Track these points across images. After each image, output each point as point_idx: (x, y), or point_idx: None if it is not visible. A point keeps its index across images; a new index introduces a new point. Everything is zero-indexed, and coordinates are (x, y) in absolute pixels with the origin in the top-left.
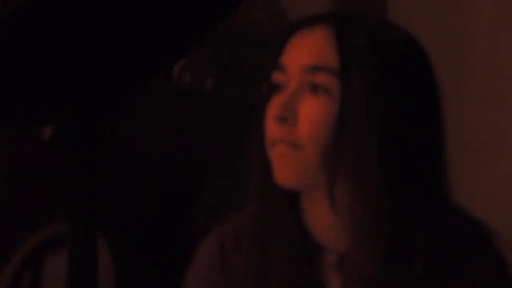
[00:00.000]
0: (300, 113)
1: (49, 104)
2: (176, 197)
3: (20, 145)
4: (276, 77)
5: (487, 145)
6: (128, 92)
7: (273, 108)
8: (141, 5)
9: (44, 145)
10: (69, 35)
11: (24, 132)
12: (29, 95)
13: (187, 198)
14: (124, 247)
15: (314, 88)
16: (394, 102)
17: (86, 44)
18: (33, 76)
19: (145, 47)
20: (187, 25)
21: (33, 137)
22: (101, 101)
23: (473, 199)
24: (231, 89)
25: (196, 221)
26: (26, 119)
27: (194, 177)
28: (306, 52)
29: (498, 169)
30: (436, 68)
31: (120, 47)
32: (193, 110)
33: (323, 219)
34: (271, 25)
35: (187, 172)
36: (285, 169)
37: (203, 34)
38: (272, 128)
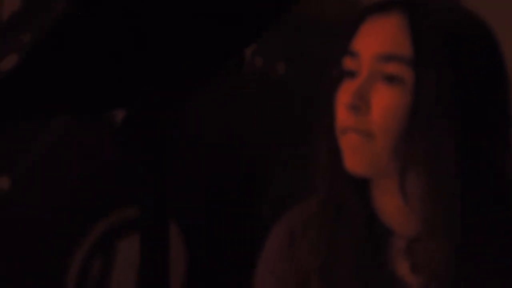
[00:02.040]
0: (372, 102)
1: (122, 87)
2: (246, 182)
3: (90, 129)
4: (348, 62)
5: None
6: (202, 77)
7: (345, 96)
8: None
9: (114, 129)
10: (142, 20)
11: (95, 116)
12: (103, 79)
13: (258, 184)
14: (196, 233)
15: (387, 77)
16: (467, 90)
17: (161, 28)
18: (105, 61)
19: (218, 31)
20: (260, 10)
21: (103, 121)
22: (173, 86)
23: None
24: (302, 75)
25: (266, 207)
26: (100, 104)
27: (266, 163)
28: (379, 40)
29: None
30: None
31: (193, 32)
32: (263, 97)
33: (393, 206)
34: (344, 12)
35: (258, 158)
36: (356, 157)
37: (275, 19)
38: (343, 116)
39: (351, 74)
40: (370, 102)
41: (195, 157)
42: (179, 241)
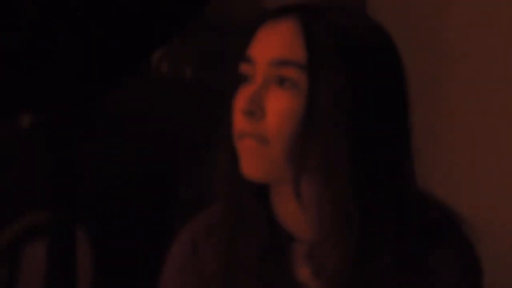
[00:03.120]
0: (267, 107)
1: (29, 92)
2: (155, 187)
3: None
4: (243, 68)
5: (467, 140)
6: (107, 81)
7: (240, 102)
8: None
9: (22, 133)
10: (49, 26)
11: (2, 120)
12: (8, 83)
13: (166, 188)
14: (103, 238)
15: (281, 82)
16: (361, 95)
17: (65, 34)
18: (12, 65)
19: (124, 36)
20: (166, 14)
21: (11, 125)
22: (80, 90)
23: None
24: (210, 79)
25: (175, 211)
26: (5, 107)
27: (174, 166)
28: (273, 45)
29: (480, 164)
30: (415, 64)
31: (99, 36)
32: (172, 99)
33: (292, 211)
34: (252, 14)
35: (166, 161)
36: (252, 163)
37: (182, 23)
38: (239, 121)
39: (247, 80)
40: (265, 108)
41: (102, 161)
42: (86, 247)
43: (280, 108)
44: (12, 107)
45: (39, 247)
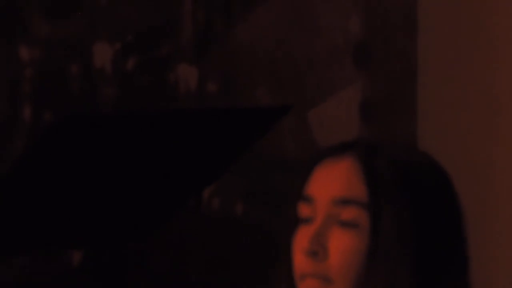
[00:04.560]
0: (329, 247)
1: (79, 229)
2: None
3: (49, 271)
4: (303, 208)
5: None
6: (157, 218)
7: (302, 242)
8: (169, 134)
9: (72, 270)
10: (100, 165)
11: (54, 257)
12: (59, 219)
13: None
14: None
15: (343, 221)
16: (423, 230)
17: (116, 171)
18: (63, 201)
19: (174, 174)
20: (215, 152)
21: (63, 263)
22: (130, 227)
23: None
24: (261, 215)
25: None
26: (56, 244)
27: None
28: (334, 184)
29: None
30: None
31: (149, 175)
32: (222, 236)
33: None
34: (301, 152)
35: None
36: None
37: (232, 161)
38: (301, 262)
39: (307, 220)
40: (327, 247)
41: None
42: None
43: (343, 248)
44: (63, 244)
45: None
